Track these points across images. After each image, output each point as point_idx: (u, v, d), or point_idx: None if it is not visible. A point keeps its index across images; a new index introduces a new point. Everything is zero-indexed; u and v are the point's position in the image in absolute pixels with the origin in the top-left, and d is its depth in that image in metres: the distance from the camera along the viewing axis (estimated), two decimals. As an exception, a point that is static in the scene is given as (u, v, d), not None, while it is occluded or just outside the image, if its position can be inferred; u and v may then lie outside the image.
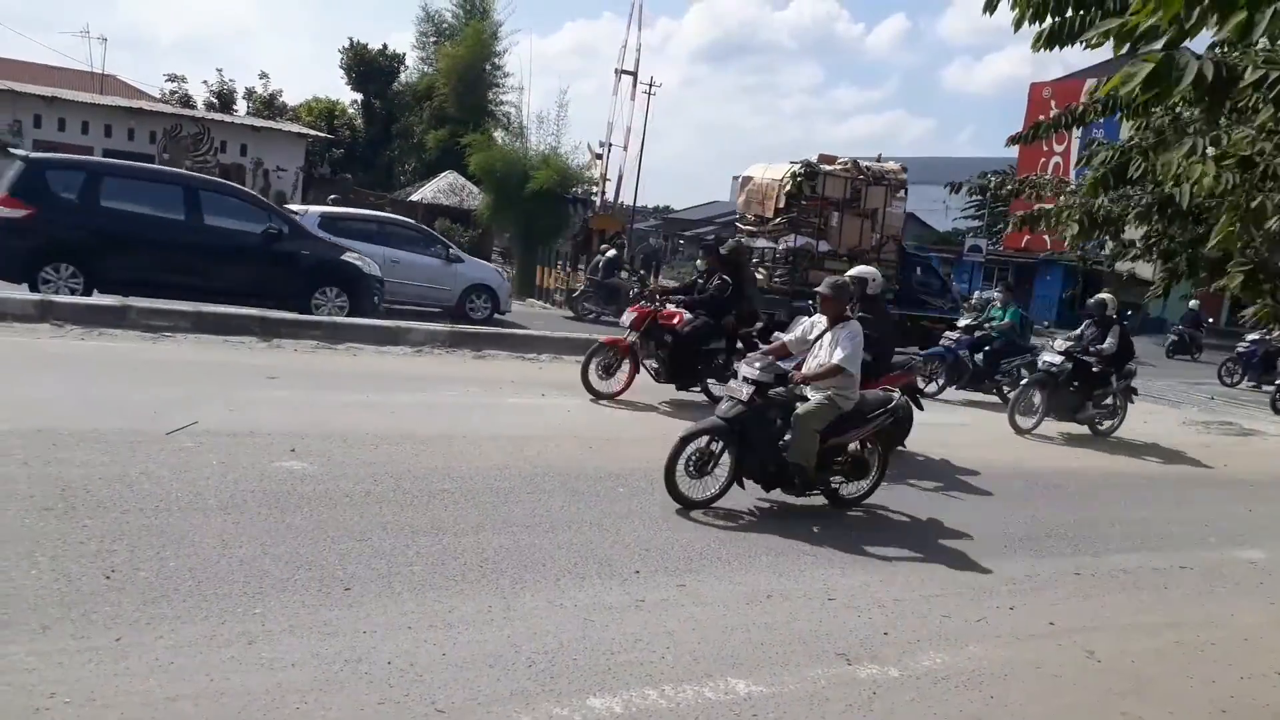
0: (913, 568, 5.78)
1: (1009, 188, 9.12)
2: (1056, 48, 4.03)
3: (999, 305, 13.76)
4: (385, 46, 43.79)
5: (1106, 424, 11.54)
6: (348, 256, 13.53)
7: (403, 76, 43.42)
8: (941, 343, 13.34)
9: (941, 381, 13.00)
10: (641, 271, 21.44)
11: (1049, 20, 3.97)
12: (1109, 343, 11.03)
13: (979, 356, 12.92)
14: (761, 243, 17.50)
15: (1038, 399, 11.03)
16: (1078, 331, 11.54)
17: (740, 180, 18.71)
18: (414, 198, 31.06)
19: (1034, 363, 12.54)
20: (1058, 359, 10.99)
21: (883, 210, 17.59)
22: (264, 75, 44.31)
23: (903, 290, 18.08)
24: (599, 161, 28.78)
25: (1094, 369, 11.05)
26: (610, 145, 28.61)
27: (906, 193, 18.06)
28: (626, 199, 36.56)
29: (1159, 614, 5.54)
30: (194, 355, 9.63)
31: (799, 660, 4.31)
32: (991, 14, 3.83)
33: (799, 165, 17.10)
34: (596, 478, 6.78)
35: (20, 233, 11.32)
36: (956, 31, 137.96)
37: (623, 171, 29.37)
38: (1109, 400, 11.38)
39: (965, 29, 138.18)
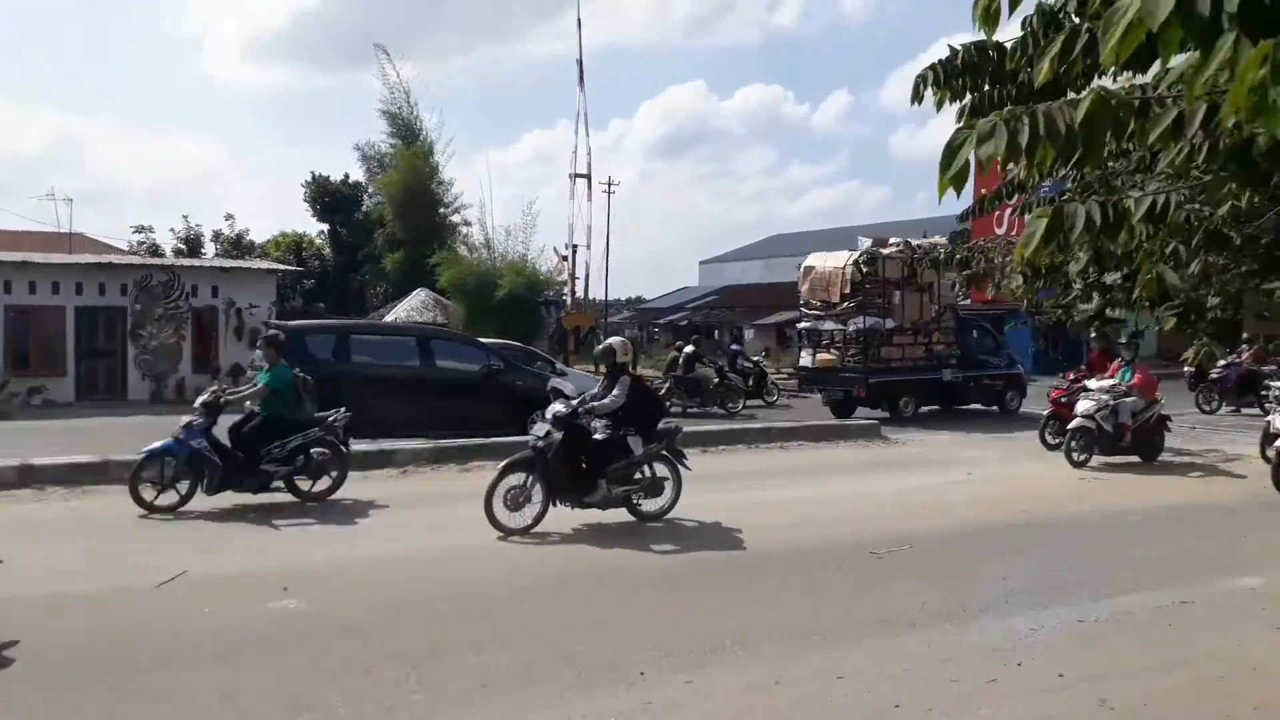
0: (918, 634, 5.76)
1: (959, 257, 9.38)
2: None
3: (263, 366, 10.12)
4: (347, 176, 44.74)
5: (649, 505, 8.71)
6: (553, 383, 14.43)
7: (365, 203, 44.22)
8: (174, 434, 9.13)
9: (184, 489, 8.96)
10: (720, 363, 21.97)
11: (969, 97, 4.20)
12: (611, 397, 8.62)
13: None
14: (829, 325, 18.96)
15: (529, 482, 8.25)
16: (596, 389, 9.13)
17: (802, 270, 20.08)
18: (388, 318, 31.34)
19: (325, 440, 9.60)
20: (543, 429, 8.40)
21: (938, 283, 18.72)
22: (229, 216, 44.86)
23: (964, 353, 19.39)
24: (565, 263, 29.29)
25: (598, 435, 8.55)
26: (575, 246, 29.17)
27: None
28: (598, 294, 37.06)
29: (1166, 653, 5.53)
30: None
31: (813, 744, 4.27)
32: (919, 104, 4.06)
33: (860, 254, 18.65)
34: (592, 579, 6.76)
35: None
36: (898, 99, 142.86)
37: (589, 269, 29.85)
38: (642, 473, 8.66)
39: (905, 97, 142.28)
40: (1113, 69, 3.19)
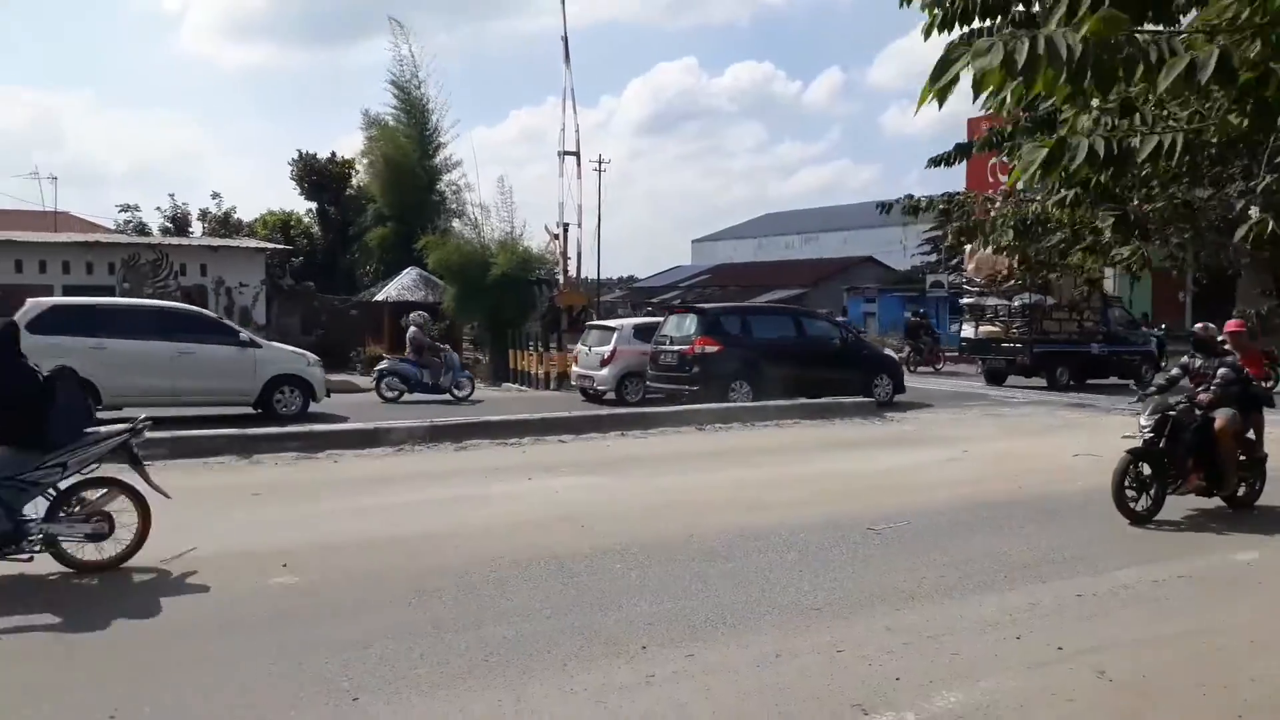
0: (916, 609, 5.78)
1: (939, 207, 9.32)
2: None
3: None
4: (334, 154, 44.29)
5: None
6: (888, 351, 19.33)
7: (355, 181, 43.85)
8: None
9: None
10: None
11: (958, 30, 4.07)
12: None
13: None
14: (993, 300, 21.67)
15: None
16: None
17: (969, 249, 21.83)
18: (379, 298, 31.19)
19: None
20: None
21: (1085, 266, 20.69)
22: (216, 195, 44.57)
23: (1109, 330, 21.63)
24: (557, 241, 29.10)
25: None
26: (566, 224, 28.97)
27: None
28: (590, 273, 36.91)
29: (1164, 626, 5.56)
30: (174, 481, 9.50)
31: (814, 717, 4.29)
32: (907, 5, 3.91)
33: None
34: (592, 556, 6.76)
35: (717, 362, 16.20)
36: (888, 77, 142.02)
37: (580, 247, 29.65)
38: None
39: (895, 74, 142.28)
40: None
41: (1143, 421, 8.15)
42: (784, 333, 17.62)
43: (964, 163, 7.81)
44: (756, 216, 75.76)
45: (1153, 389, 8.50)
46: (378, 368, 19.47)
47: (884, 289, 42.89)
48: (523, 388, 23.11)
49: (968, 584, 6.30)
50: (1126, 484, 7.89)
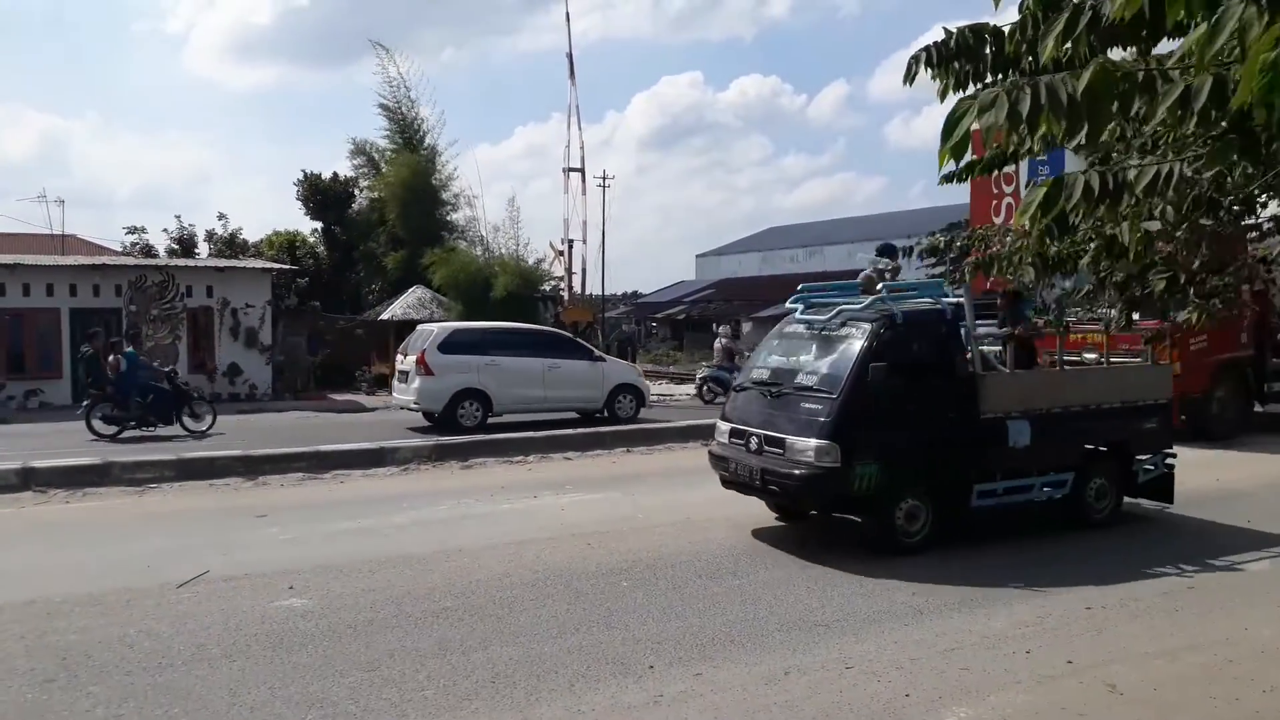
0: (924, 624, 5.76)
1: (959, 244, 9.31)
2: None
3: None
4: (337, 174, 44.41)
5: None
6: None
7: (358, 201, 43.96)
8: None
9: None
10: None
11: (973, 87, 4.14)
12: None
13: None
14: None
15: None
16: None
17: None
18: (384, 316, 31.23)
19: None
20: None
21: None
22: (222, 216, 44.76)
23: None
24: (561, 257, 29.17)
25: None
26: (571, 241, 29.07)
27: None
28: (595, 288, 36.98)
29: (1174, 638, 5.53)
30: (181, 503, 9.55)
31: (824, 735, 4.27)
32: (911, 84, 3.99)
33: None
34: (599, 574, 6.75)
35: None
36: (890, 90, 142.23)
37: (585, 263, 29.74)
38: None
39: (897, 85, 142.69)
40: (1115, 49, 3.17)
41: None
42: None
43: (968, 179, 7.79)
44: (761, 230, 75.81)
45: None
46: (699, 375, 20.97)
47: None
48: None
49: (976, 598, 6.26)
50: None
